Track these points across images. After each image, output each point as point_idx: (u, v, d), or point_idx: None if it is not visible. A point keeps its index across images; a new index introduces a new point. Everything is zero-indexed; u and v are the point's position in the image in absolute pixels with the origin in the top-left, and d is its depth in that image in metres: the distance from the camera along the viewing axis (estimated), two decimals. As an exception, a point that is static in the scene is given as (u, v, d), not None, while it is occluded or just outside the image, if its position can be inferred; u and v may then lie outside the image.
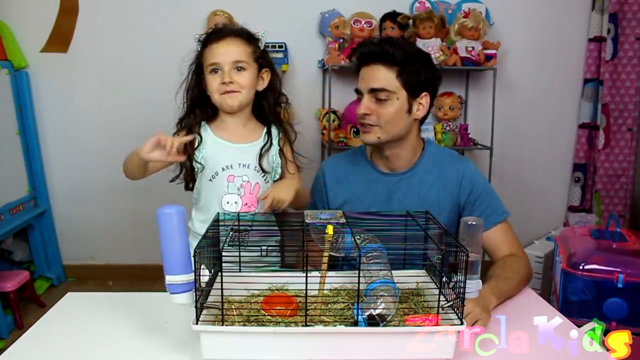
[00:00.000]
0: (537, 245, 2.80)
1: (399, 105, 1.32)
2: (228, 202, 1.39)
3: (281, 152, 1.45)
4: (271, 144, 1.43)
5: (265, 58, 1.41)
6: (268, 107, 1.44)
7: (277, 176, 1.47)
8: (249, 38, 1.38)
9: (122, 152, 1.45)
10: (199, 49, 1.38)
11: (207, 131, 1.41)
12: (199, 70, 1.38)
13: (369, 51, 1.33)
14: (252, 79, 1.37)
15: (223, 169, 1.38)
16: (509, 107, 3.04)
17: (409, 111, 1.34)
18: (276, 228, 1.26)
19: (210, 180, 1.39)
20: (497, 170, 2.98)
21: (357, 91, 1.37)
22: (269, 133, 1.44)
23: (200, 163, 1.38)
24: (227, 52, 1.33)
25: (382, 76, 1.31)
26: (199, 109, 1.40)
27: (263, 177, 1.42)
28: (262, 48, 1.41)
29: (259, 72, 1.39)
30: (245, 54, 1.35)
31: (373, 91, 1.32)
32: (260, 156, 1.40)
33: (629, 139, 3.01)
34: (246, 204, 1.39)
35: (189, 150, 1.37)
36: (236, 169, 1.39)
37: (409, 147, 1.40)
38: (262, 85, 1.41)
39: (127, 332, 1.07)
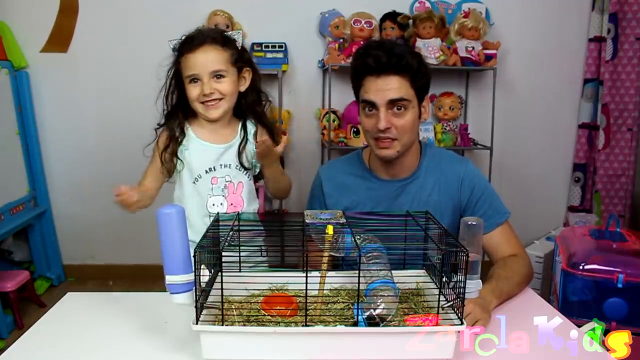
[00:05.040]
0: (537, 245, 2.80)
1: (414, 114, 1.30)
2: (214, 204, 1.38)
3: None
4: (247, 139, 1.41)
5: (244, 58, 1.39)
6: (246, 106, 1.43)
7: (257, 170, 1.46)
8: (224, 43, 1.35)
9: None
10: (176, 56, 1.35)
11: (189, 133, 1.39)
12: (177, 77, 1.36)
13: (386, 61, 1.24)
14: (233, 84, 1.35)
15: (206, 172, 1.38)
16: (509, 107, 3.04)
17: (419, 117, 1.34)
18: (262, 228, 1.24)
19: (194, 183, 1.39)
20: (497, 170, 2.99)
21: (369, 103, 1.30)
22: (244, 129, 1.42)
23: (181, 159, 1.37)
24: (204, 62, 1.31)
25: (399, 86, 1.26)
26: (181, 112, 1.39)
27: (245, 174, 1.42)
28: (239, 47, 1.38)
29: (239, 73, 1.38)
30: (223, 61, 1.33)
31: (392, 102, 1.27)
32: (239, 154, 1.40)
33: (629, 139, 3.01)
34: (231, 204, 1.39)
35: (172, 147, 1.36)
36: (218, 170, 1.39)
37: (412, 152, 1.39)
38: (245, 85, 1.40)
39: (127, 332, 1.07)
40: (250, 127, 1.43)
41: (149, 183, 1.40)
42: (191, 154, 1.38)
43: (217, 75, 1.32)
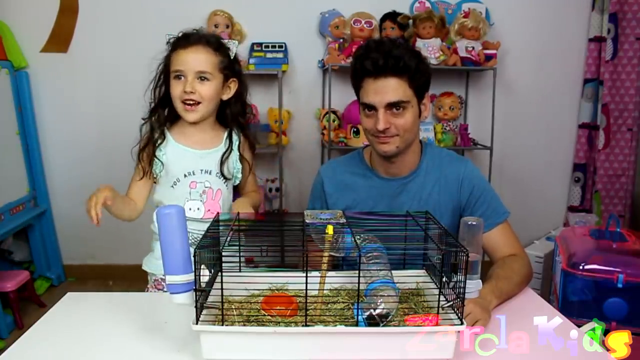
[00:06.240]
0: (537, 245, 2.80)
1: (414, 113, 1.31)
2: (190, 209, 1.38)
3: (242, 157, 1.45)
4: (231, 150, 1.42)
5: (234, 69, 1.40)
6: (231, 116, 1.44)
7: (238, 182, 1.47)
8: (217, 47, 1.36)
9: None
10: (168, 51, 1.37)
11: (168, 137, 1.40)
12: (166, 71, 1.38)
13: (383, 64, 1.25)
14: (215, 90, 1.36)
15: (185, 175, 1.39)
16: (509, 107, 3.04)
17: (419, 115, 1.34)
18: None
19: (172, 187, 1.39)
20: (497, 170, 2.98)
21: (367, 105, 1.31)
22: (229, 139, 1.43)
23: (160, 161, 1.38)
24: (192, 60, 1.32)
25: (397, 88, 1.27)
26: (164, 108, 1.41)
27: (225, 183, 1.42)
28: (232, 57, 1.39)
29: (225, 82, 1.38)
30: (211, 64, 1.34)
31: (390, 105, 1.28)
32: (221, 163, 1.41)
33: (629, 139, 3.01)
34: (209, 210, 1.40)
35: (149, 148, 1.38)
36: (198, 175, 1.39)
37: (413, 151, 1.40)
38: (228, 94, 1.41)
39: (127, 332, 1.07)
40: (235, 138, 1.44)
41: (133, 194, 1.42)
42: (168, 158, 1.39)
43: (202, 77, 1.33)
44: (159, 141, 1.38)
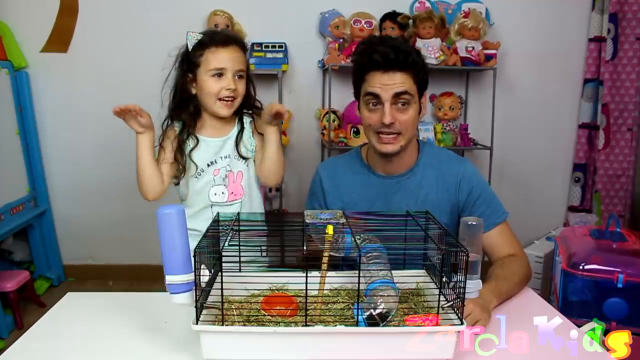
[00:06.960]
0: (537, 245, 2.80)
1: (416, 109, 1.32)
2: (215, 194, 1.44)
3: (256, 131, 1.48)
4: (243, 129, 1.47)
5: (249, 67, 1.48)
6: (244, 106, 1.49)
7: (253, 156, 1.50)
8: (244, 48, 1.44)
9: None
10: (194, 48, 1.39)
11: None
12: (189, 68, 1.40)
13: (394, 57, 1.26)
14: (245, 87, 1.43)
15: (208, 165, 1.44)
16: (509, 107, 3.04)
17: (419, 112, 1.36)
18: (265, 228, 1.26)
19: (196, 177, 1.44)
20: (497, 170, 2.99)
21: (374, 96, 1.30)
22: (240, 121, 1.48)
23: (194, 162, 1.43)
24: (234, 59, 1.39)
25: (403, 82, 1.28)
26: (189, 105, 1.44)
27: (245, 163, 1.47)
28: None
29: None
30: (244, 63, 1.43)
31: (397, 96, 1.28)
32: (237, 144, 1.45)
33: (629, 139, 3.01)
34: (232, 192, 1.45)
35: (184, 148, 1.42)
36: (220, 162, 1.45)
37: (410, 149, 1.40)
38: None
39: (127, 332, 1.07)
40: (246, 119, 1.49)
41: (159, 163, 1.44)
42: (194, 151, 1.43)
43: (239, 75, 1.40)
44: (191, 145, 1.42)
